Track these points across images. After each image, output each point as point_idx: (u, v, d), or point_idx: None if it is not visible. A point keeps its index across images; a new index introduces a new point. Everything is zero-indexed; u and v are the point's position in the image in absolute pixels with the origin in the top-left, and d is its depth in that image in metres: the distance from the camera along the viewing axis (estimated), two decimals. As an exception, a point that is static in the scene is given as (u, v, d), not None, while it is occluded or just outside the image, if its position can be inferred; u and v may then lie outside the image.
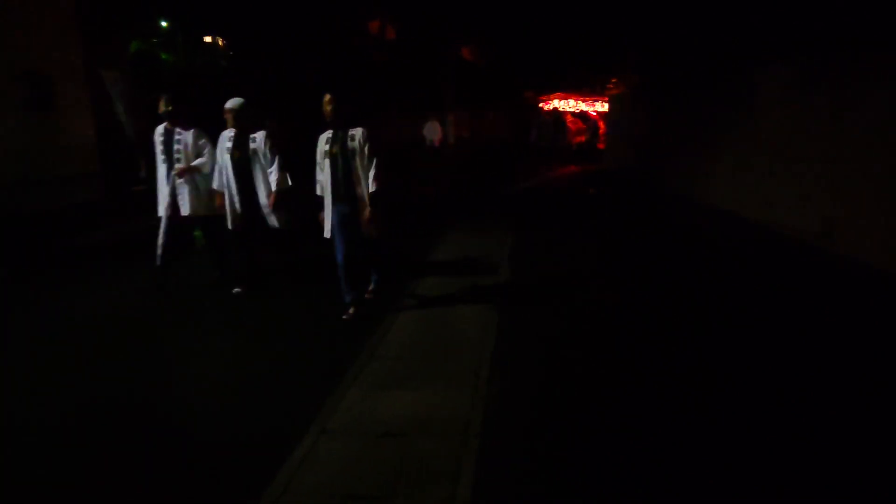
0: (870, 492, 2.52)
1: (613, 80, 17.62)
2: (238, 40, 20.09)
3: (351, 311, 4.57)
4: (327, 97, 4.31)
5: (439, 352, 3.94)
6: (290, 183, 5.06)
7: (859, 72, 6.26)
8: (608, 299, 5.18)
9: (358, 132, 4.31)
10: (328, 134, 4.41)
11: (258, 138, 5.03)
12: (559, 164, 19.09)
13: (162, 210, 5.28)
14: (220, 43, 20.59)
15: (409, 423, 3.02)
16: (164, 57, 16.01)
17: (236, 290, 5.32)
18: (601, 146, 21.44)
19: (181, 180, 5.21)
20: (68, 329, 4.69)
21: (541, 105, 24.57)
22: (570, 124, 23.71)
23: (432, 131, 20.45)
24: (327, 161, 4.36)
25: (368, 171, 4.31)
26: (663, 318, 4.69)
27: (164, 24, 16.88)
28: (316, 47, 20.67)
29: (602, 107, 22.79)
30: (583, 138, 23.07)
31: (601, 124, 23.00)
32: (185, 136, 5.22)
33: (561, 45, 18.76)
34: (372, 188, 4.32)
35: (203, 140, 5.27)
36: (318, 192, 4.55)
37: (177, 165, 5.20)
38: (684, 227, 8.60)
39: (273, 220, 5.13)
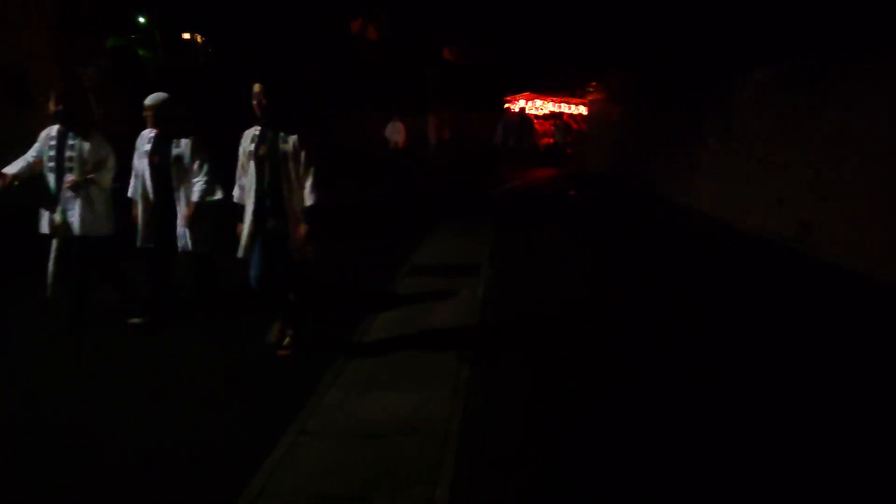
0: (850, 490, 2.57)
1: (593, 84, 17.76)
2: (217, 38, 19.91)
3: (286, 342, 3.91)
4: (258, 88, 3.57)
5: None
6: (218, 195, 4.19)
7: (833, 77, 6.38)
8: (589, 302, 5.21)
9: (293, 137, 3.60)
10: (255, 131, 3.66)
11: (183, 144, 4.23)
12: (537, 167, 18.89)
13: (45, 227, 4.25)
14: (198, 40, 20.40)
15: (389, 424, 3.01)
16: (141, 53, 15.79)
17: (135, 320, 4.39)
18: (569, 150, 21.00)
19: (70, 194, 4.16)
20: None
21: (507, 106, 23.49)
22: (537, 125, 22.71)
23: (395, 132, 19.21)
24: (252, 164, 3.61)
25: (305, 181, 3.62)
26: (642, 318, 4.73)
27: (141, 20, 16.69)
28: (296, 45, 20.53)
29: (573, 108, 22.26)
30: (550, 140, 22.19)
31: (574, 126, 22.37)
32: (81, 143, 4.17)
33: (543, 46, 18.89)
34: (309, 201, 3.64)
35: (106, 149, 4.29)
36: (237, 198, 3.76)
37: (68, 176, 4.15)
38: (663, 230, 8.70)
39: (187, 240, 4.28)
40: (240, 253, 3.67)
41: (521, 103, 22.61)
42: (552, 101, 22.20)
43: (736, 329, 4.48)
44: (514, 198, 12.09)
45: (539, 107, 22.41)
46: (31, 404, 3.34)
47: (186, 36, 19.36)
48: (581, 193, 12.90)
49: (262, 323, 4.10)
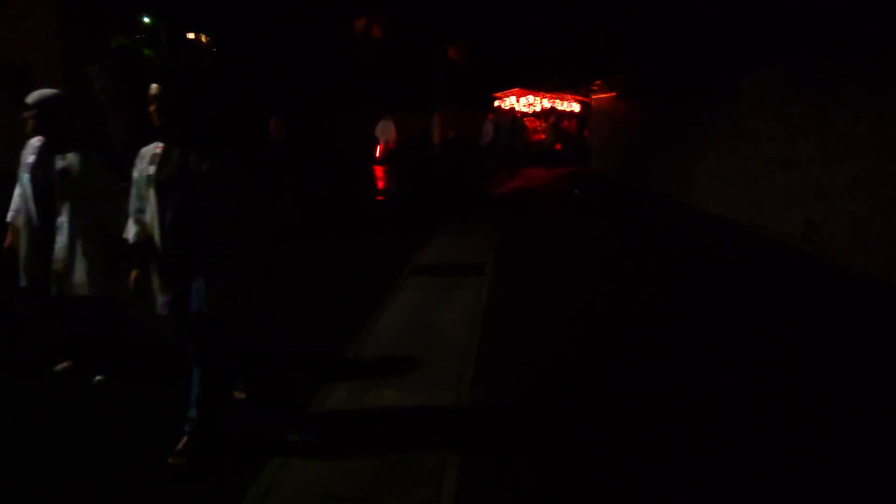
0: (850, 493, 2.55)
1: (598, 82, 17.69)
2: (222, 37, 19.98)
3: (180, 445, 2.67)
4: (154, 89, 2.53)
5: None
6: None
7: (840, 78, 6.35)
8: (596, 299, 5.20)
9: (214, 158, 2.55)
10: (154, 148, 2.63)
11: (70, 156, 3.21)
12: (533, 166, 18.04)
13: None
14: (203, 40, 20.48)
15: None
16: (146, 53, 15.85)
17: (98, 378, 3.42)
18: (558, 146, 19.81)
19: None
20: None
21: (497, 103, 21.63)
22: (527, 123, 21.18)
23: (386, 131, 17.46)
24: (152, 192, 2.57)
25: (223, 211, 2.56)
26: (647, 320, 4.71)
27: (146, 20, 16.75)
28: (301, 45, 20.58)
29: (566, 105, 20.79)
30: (542, 136, 20.36)
31: (566, 123, 21.11)
32: (71, 159, 3.23)
33: (547, 44, 18.88)
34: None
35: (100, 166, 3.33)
36: (132, 237, 2.74)
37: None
38: (670, 229, 8.66)
39: (78, 283, 3.21)
40: (159, 307, 2.67)
41: (512, 99, 21.24)
42: (543, 97, 20.83)
43: (744, 331, 4.45)
44: (518, 198, 12.04)
45: (531, 103, 20.96)
46: None
47: (191, 36, 19.42)
48: (586, 193, 12.87)
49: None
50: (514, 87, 20.91)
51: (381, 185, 14.33)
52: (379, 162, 17.18)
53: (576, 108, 21.02)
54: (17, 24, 9.90)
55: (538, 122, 21.38)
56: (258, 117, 17.56)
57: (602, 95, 17.23)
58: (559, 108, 21.06)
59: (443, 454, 2.70)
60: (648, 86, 12.47)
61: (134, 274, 2.76)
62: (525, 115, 21.24)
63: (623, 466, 2.69)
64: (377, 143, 17.23)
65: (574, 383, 3.56)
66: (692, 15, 9.61)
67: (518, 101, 20.98)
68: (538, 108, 21.19)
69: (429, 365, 3.71)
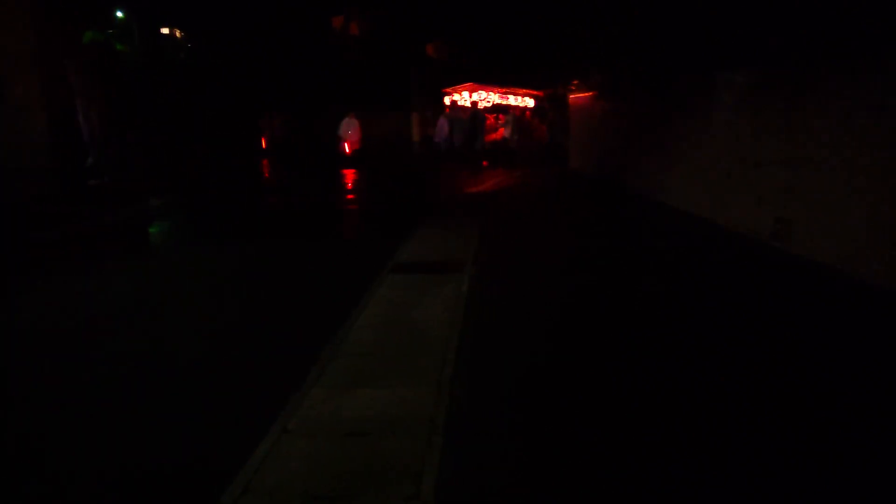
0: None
1: (575, 82, 17.79)
2: (197, 32, 19.69)
3: None
4: None
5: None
6: None
7: (814, 78, 6.50)
8: (574, 297, 5.25)
9: None
10: None
11: None
12: (498, 167, 17.18)
13: None
14: (177, 34, 20.14)
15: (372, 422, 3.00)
16: (119, 48, 15.52)
17: None
18: (515, 146, 18.39)
19: None
20: None
21: (453, 98, 19.92)
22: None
23: (349, 130, 16.39)
24: None
25: None
26: (627, 312, 4.78)
27: (119, 14, 16.42)
28: (277, 40, 20.38)
29: (520, 100, 19.40)
30: (497, 136, 19.00)
31: (529, 118, 19.76)
32: None
33: (525, 43, 18.92)
34: None
35: None
36: None
37: None
38: (645, 227, 8.78)
39: None
40: None
41: (465, 95, 19.61)
42: (497, 91, 19.64)
43: (717, 328, 4.54)
44: (494, 197, 12.07)
45: (484, 98, 19.66)
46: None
47: (165, 31, 19.08)
48: (562, 191, 12.98)
49: None
50: (467, 82, 19.74)
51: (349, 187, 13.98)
52: (346, 163, 16.29)
53: (530, 103, 19.91)
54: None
55: (491, 118, 19.66)
56: (247, 114, 17.40)
57: (579, 95, 17.35)
58: (513, 103, 19.76)
59: (422, 452, 2.72)
60: (623, 84, 12.60)
61: None
62: (484, 110, 19.52)
63: (605, 463, 2.73)
64: (341, 143, 16.48)
65: (554, 381, 3.60)
66: (666, 13, 9.73)
67: (471, 97, 19.70)
68: (489, 104, 19.78)
69: (408, 363, 3.72)
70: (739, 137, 7.88)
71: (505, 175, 15.03)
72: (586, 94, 16.46)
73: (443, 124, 18.22)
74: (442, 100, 20.18)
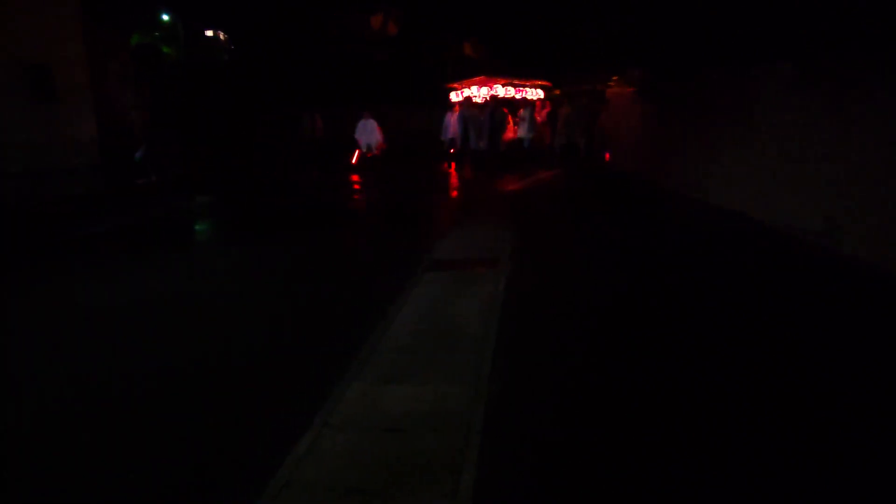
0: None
1: (615, 78, 17.49)
2: (240, 35, 20.14)
3: None
4: None
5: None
6: None
7: (862, 70, 6.25)
8: (614, 296, 5.18)
9: None
10: None
11: None
12: (525, 166, 15.85)
13: None
14: (221, 37, 20.65)
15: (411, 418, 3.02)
16: (164, 50, 15.99)
17: None
18: (547, 141, 17.03)
19: None
20: (45, 323, 4.69)
21: (459, 93, 18.04)
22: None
23: (368, 133, 14.69)
24: None
25: None
26: (669, 312, 4.69)
27: (165, 17, 16.91)
28: (317, 42, 20.66)
29: (529, 93, 17.67)
30: (512, 134, 17.24)
31: (543, 114, 17.94)
32: None
33: (563, 39, 18.65)
34: None
35: None
36: None
37: None
38: (684, 226, 8.59)
39: None
40: None
41: (474, 90, 17.64)
42: (513, 85, 17.73)
43: (763, 330, 4.41)
44: (525, 195, 11.91)
45: (498, 93, 17.70)
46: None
47: (209, 33, 19.57)
48: (599, 188, 12.80)
49: None
50: (479, 75, 18.03)
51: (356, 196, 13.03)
52: (356, 168, 15.16)
53: (541, 94, 18.34)
54: (39, 23, 10.06)
55: (509, 114, 17.53)
56: (287, 114, 17.61)
57: (617, 91, 17.07)
58: (530, 97, 17.95)
59: (460, 450, 2.72)
60: (663, 80, 12.36)
61: None
62: (498, 106, 17.19)
63: (646, 468, 2.69)
64: (355, 147, 15.14)
65: (592, 383, 3.55)
66: (708, 8, 9.51)
67: (479, 91, 17.90)
68: (500, 98, 17.67)
69: (446, 360, 3.73)
70: (785, 132, 7.64)
71: (531, 174, 14.52)
72: (623, 91, 16.21)
73: (449, 122, 16.39)
74: (448, 95, 18.53)
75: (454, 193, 12.49)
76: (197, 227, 9.42)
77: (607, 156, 16.62)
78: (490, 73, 18.10)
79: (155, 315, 4.89)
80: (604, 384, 3.49)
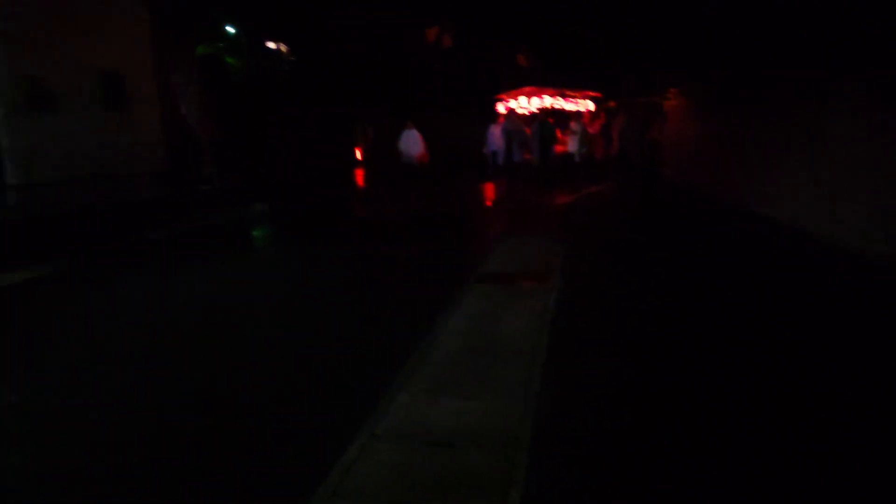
0: None
1: (672, 91, 17.08)
2: (299, 47, 20.75)
3: None
4: None
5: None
6: None
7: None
8: (670, 314, 5.03)
9: None
10: None
11: None
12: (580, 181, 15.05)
13: None
14: (282, 49, 21.32)
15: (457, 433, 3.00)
16: (229, 61, 16.61)
17: None
18: (599, 154, 16.53)
19: None
20: (111, 323, 4.89)
21: (505, 104, 17.44)
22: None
23: (411, 143, 14.37)
24: None
25: None
26: (734, 333, 4.51)
27: (229, 29, 17.59)
28: (374, 54, 21.06)
29: (578, 104, 17.10)
30: (564, 147, 16.56)
31: (596, 125, 17.31)
32: None
33: (619, 51, 18.36)
34: None
35: None
36: None
37: None
38: (748, 242, 8.27)
39: None
40: None
41: (522, 102, 17.09)
42: (562, 96, 17.06)
43: (835, 356, 4.19)
44: (576, 209, 11.72)
45: (546, 104, 17.05)
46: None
47: (272, 45, 20.23)
48: (653, 203, 12.50)
49: None
50: (525, 86, 17.53)
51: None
52: (400, 179, 14.91)
53: (591, 105, 17.69)
54: (111, 33, 10.62)
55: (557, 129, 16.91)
56: (342, 125, 17.93)
57: (675, 103, 16.66)
58: (580, 108, 17.30)
59: (507, 467, 2.68)
60: (725, 92, 12.00)
61: None
62: (545, 117, 16.52)
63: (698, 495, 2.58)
64: (400, 158, 14.77)
65: (639, 402, 3.45)
66: (774, 18, 9.19)
67: (528, 102, 17.34)
68: (549, 108, 17.07)
69: (493, 375, 3.69)
70: (858, 148, 7.27)
71: (582, 188, 14.06)
72: (681, 103, 15.82)
73: (495, 134, 15.90)
74: (494, 106, 18.20)
75: (502, 206, 12.42)
76: (254, 234, 9.73)
77: (664, 169, 16.25)
78: (538, 84, 17.64)
79: (213, 318, 5.04)
80: (654, 406, 3.38)
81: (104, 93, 10.30)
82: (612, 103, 19.62)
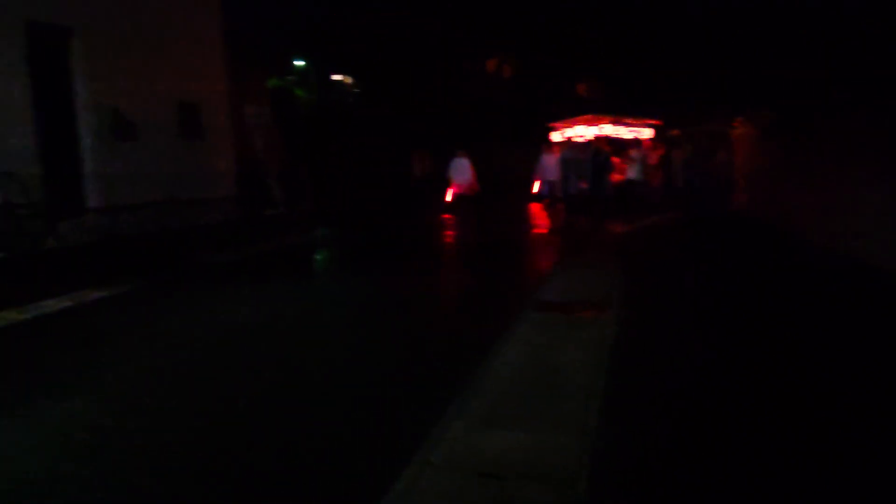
0: None
1: (739, 119, 16.56)
2: (362, 77, 21.47)
3: None
4: None
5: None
6: None
7: None
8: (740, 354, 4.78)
9: None
10: None
11: None
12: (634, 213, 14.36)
13: None
14: (346, 81, 22.12)
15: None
16: (297, 93, 17.34)
17: None
18: (655, 182, 15.84)
19: None
20: (183, 339, 5.07)
21: (561, 133, 17.01)
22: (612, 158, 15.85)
23: (461, 171, 14.07)
24: None
25: None
26: (815, 376, 4.24)
27: (299, 63, 18.40)
28: (433, 84, 21.51)
29: (636, 132, 16.54)
30: (622, 176, 15.93)
31: (654, 155, 16.70)
32: None
33: (684, 81, 18.04)
34: None
35: None
36: None
37: None
38: (825, 281, 7.82)
39: None
40: None
41: (579, 130, 16.49)
42: (613, 122, 16.52)
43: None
44: (640, 240, 11.44)
45: (604, 131, 16.49)
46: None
47: (337, 77, 21.01)
48: (719, 235, 12.05)
49: None
50: (584, 114, 17.04)
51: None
52: (451, 207, 14.71)
53: (650, 133, 17.00)
54: (189, 67, 11.29)
55: (614, 156, 16.23)
56: (401, 151, 18.36)
57: (741, 132, 16.13)
58: (624, 136, 16.72)
59: (563, 502, 2.58)
60: (800, 120, 11.53)
61: None
62: (601, 145, 15.92)
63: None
64: (448, 186, 14.62)
65: (700, 447, 3.26)
66: (852, 41, 8.81)
67: (585, 130, 16.71)
68: (605, 137, 16.47)
69: (549, 407, 3.59)
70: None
71: (642, 219, 13.51)
72: (748, 132, 15.30)
73: (547, 164, 15.45)
74: (548, 135, 17.78)
75: (557, 235, 12.27)
76: (316, 258, 10.04)
77: (732, 200, 15.66)
78: (596, 112, 17.20)
79: (273, 337, 5.17)
80: (720, 455, 3.19)
81: (181, 123, 10.93)
82: (675, 132, 19.21)
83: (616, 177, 15.92)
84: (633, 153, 16.17)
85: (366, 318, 5.91)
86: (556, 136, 17.66)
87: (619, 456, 3.06)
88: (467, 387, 3.88)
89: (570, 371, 4.19)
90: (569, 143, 17.08)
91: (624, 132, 17.06)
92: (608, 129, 16.69)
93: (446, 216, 14.64)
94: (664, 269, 8.46)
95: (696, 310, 6.11)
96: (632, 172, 15.77)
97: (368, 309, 6.27)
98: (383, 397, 3.89)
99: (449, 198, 14.63)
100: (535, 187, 16.03)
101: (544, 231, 13.02)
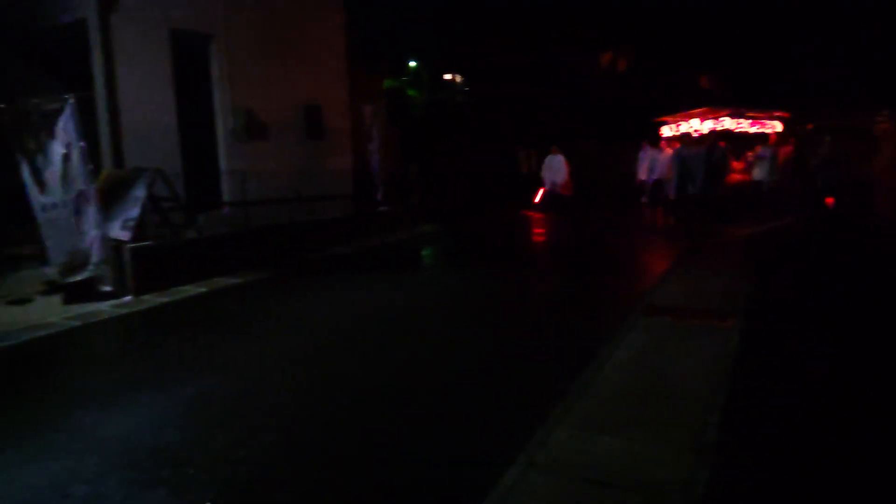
0: None
1: (884, 113, 14.76)
2: (472, 76, 21.67)
3: None
4: None
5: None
6: None
7: None
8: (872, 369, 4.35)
9: None
10: None
11: None
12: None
13: None
14: (456, 80, 22.42)
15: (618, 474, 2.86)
16: (410, 93, 17.84)
17: None
18: (786, 183, 14.23)
19: None
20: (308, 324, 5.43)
21: (675, 128, 15.77)
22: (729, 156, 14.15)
23: (555, 170, 13.79)
24: None
25: None
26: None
27: (412, 63, 18.92)
28: (544, 82, 21.23)
29: (769, 126, 14.94)
30: (744, 176, 14.63)
31: (783, 152, 14.90)
32: None
33: (818, 75, 16.48)
34: None
35: None
36: None
37: None
38: None
39: None
40: None
41: (694, 124, 15.07)
42: (734, 115, 15.03)
43: None
44: (770, 245, 10.61)
45: (725, 125, 14.93)
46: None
47: (447, 76, 21.37)
48: (862, 242, 10.91)
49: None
50: (701, 107, 15.66)
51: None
52: (540, 207, 14.34)
53: (777, 127, 15.34)
54: (313, 72, 11.98)
55: (732, 155, 14.54)
56: (508, 148, 18.45)
57: (886, 127, 14.41)
58: (748, 130, 15.08)
59: (673, 519, 2.50)
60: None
61: None
62: (714, 141, 14.15)
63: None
64: (539, 185, 14.29)
65: (830, 470, 3.01)
66: None
67: (701, 125, 15.26)
68: (708, 129, 14.94)
69: (660, 417, 3.47)
70: None
71: (772, 223, 12.45)
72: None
73: (660, 161, 14.40)
74: (658, 130, 16.54)
75: (671, 238, 11.68)
76: (423, 253, 10.41)
77: (878, 205, 14.01)
78: (715, 104, 15.86)
79: (382, 327, 5.42)
80: (851, 478, 2.93)
81: (306, 124, 11.65)
82: (808, 126, 17.46)
83: (735, 177, 14.62)
84: (760, 150, 14.66)
85: (470, 313, 6.01)
86: (666, 131, 16.47)
87: (739, 476, 2.90)
88: (574, 390, 3.84)
89: (684, 381, 4.01)
90: (687, 138, 15.48)
91: (746, 126, 15.50)
92: (728, 123, 15.27)
93: (537, 215, 14.45)
94: (796, 279, 7.80)
95: (834, 328, 5.58)
96: (760, 171, 14.33)
97: (473, 305, 6.37)
98: (488, 395, 3.93)
99: (538, 197, 14.21)
100: (642, 186, 15.22)
101: (653, 233, 12.46)
